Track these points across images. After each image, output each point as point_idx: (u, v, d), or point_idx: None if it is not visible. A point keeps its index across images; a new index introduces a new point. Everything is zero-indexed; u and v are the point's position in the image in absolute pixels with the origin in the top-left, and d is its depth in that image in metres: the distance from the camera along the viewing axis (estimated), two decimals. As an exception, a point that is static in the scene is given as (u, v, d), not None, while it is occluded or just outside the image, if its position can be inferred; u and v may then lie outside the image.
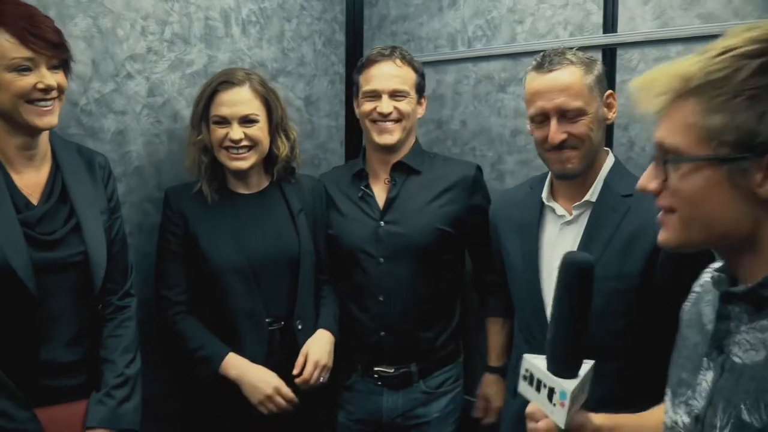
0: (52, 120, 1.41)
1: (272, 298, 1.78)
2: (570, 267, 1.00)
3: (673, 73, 0.84)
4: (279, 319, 1.78)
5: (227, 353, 1.72)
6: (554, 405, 0.99)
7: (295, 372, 1.73)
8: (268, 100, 1.79)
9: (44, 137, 1.48)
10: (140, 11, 1.83)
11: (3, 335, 1.37)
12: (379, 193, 1.93)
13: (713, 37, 0.85)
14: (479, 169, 1.97)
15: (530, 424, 1.05)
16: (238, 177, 1.83)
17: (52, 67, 1.40)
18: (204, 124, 1.74)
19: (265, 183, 1.88)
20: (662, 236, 0.90)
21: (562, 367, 1.00)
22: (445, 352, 1.94)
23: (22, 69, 1.35)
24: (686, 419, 0.91)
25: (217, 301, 1.75)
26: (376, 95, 1.87)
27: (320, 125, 2.45)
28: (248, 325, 1.74)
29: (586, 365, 1.02)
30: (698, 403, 0.89)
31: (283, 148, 1.84)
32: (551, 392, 1.00)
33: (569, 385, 0.98)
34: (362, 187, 1.94)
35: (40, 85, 1.37)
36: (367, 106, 1.88)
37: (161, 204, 1.83)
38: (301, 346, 1.79)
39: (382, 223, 1.88)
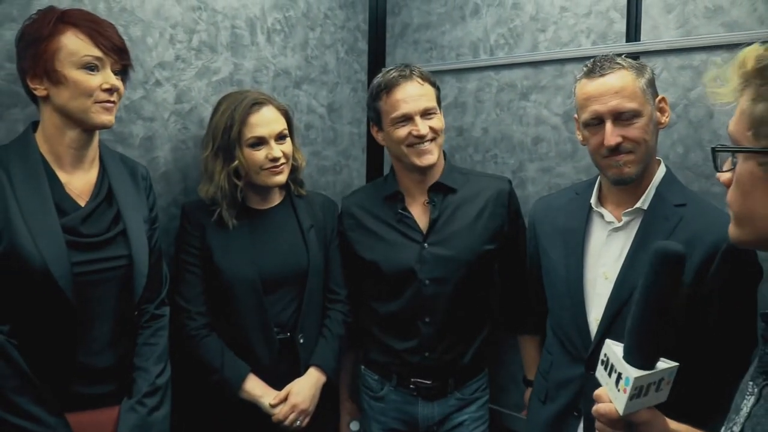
0: (111, 119, 1.46)
1: (280, 310, 1.81)
2: (659, 256, 0.98)
3: (737, 61, 0.81)
4: (285, 330, 1.81)
5: (246, 375, 1.75)
6: (619, 390, 1.01)
7: (273, 402, 1.75)
8: (289, 115, 1.84)
9: (95, 140, 1.52)
10: (169, 20, 1.88)
11: (41, 340, 1.39)
12: (418, 214, 1.89)
13: (738, 45, 0.84)
14: (510, 182, 1.96)
15: (595, 406, 1.06)
16: (262, 193, 1.86)
17: (114, 72, 1.45)
18: (238, 149, 1.74)
19: (279, 199, 1.91)
20: (728, 230, 0.88)
21: (635, 356, 1.01)
22: (479, 362, 1.95)
23: (90, 68, 1.40)
24: None
25: (228, 310, 1.79)
26: (407, 119, 1.81)
27: (342, 132, 2.47)
28: (257, 336, 1.78)
29: (667, 364, 1.02)
30: (736, 430, 0.85)
31: (301, 160, 1.91)
32: (619, 377, 1.01)
33: (635, 372, 0.99)
34: (400, 210, 1.90)
35: (106, 86, 1.42)
36: (401, 131, 1.81)
37: (185, 210, 1.88)
38: (303, 360, 1.82)
39: (426, 245, 1.85)
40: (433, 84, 1.89)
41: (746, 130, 0.79)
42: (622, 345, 1.04)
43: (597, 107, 1.48)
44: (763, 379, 0.83)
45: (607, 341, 1.09)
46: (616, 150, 1.47)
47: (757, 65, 0.77)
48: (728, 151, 0.83)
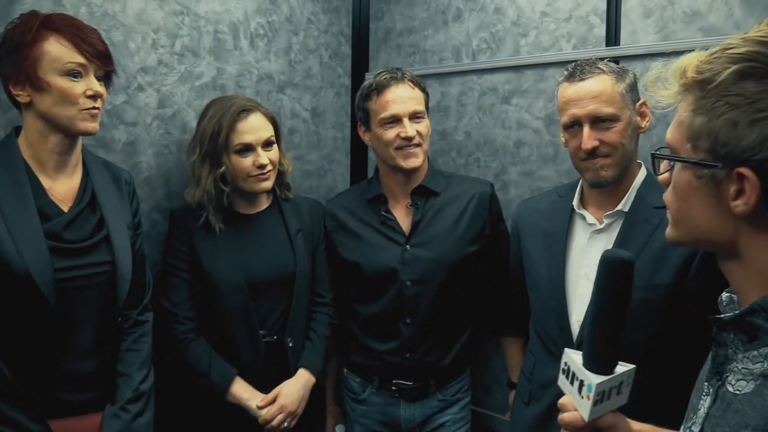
0: (95, 125, 1.45)
1: (268, 313, 1.81)
2: (609, 263, 1.00)
3: (677, 67, 0.82)
4: (272, 333, 1.81)
5: (233, 379, 1.75)
6: (582, 397, 1.02)
7: (260, 405, 1.75)
8: (276, 122, 1.84)
9: (79, 146, 1.51)
10: (151, 24, 1.87)
11: (23, 346, 1.38)
12: (401, 217, 1.91)
13: None
14: (492, 185, 1.98)
15: (560, 415, 1.07)
16: (249, 198, 1.86)
17: (97, 77, 1.44)
18: (225, 156, 1.74)
19: (266, 203, 1.91)
20: (666, 230, 0.91)
21: (595, 362, 1.02)
22: (460, 363, 1.96)
23: (74, 74, 1.39)
24: None
25: (216, 314, 1.79)
26: (396, 120, 1.83)
27: (326, 136, 2.48)
28: (244, 339, 1.78)
29: (625, 367, 1.03)
30: (695, 430, 0.86)
31: (288, 165, 1.91)
32: (581, 385, 1.03)
33: (596, 379, 1.00)
34: (383, 213, 1.91)
35: (89, 92, 1.41)
36: (389, 133, 1.83)
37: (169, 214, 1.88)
38: (291, 362, 1.83)
39: (408, 246, 1.87)
40: (423, 89, 1.91)
41: (685, 141, 0.81)
42: (581, 353, 1.06)
43: (575, 111, 1.51)
44: (717, 380, 0.84)
45: (566, 350, 1.10)
46: (593, 153, 1.50)
47: (698, 76, 0.78)
48: (667, 158, 0.86)
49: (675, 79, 0.82)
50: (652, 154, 0.89)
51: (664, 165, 0.88)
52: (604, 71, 1.50)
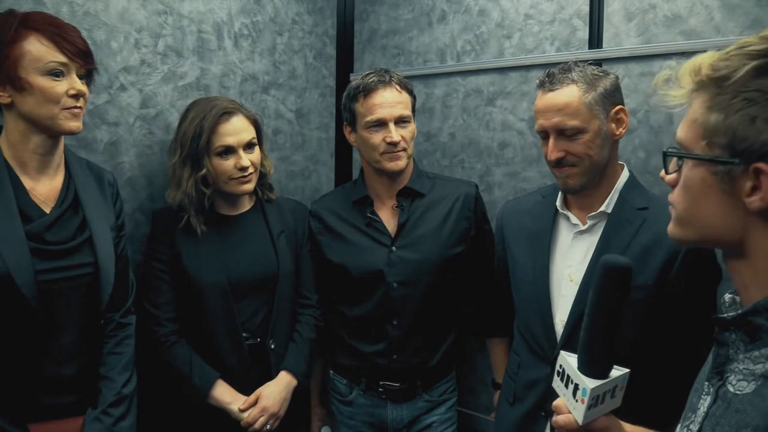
0: (79, 125, 1.43)
1: (250, 315, 1.80)
2: (607, 268, 1.01)
3: (691, 66, 0.82)
4: (255, 336, 1.80)
5: (215, 382, 1.74)
6: (576, 401, 1.03)
7: (242, 407, 1.74)
8: (258, 123, 1.83)
9: (61, 146, 1.49)
10: (134, 24, 1.85)
11: (5, 349, 1.36)
12: (387, 218, 1.91)
13: (695, 52, 0.86)
14: (477, 186, 1.99)
15: (554, 417, 1.09)
16: (231, 199, 1.85)
17: (79, 76, 1.43)
18: (206, 158, 1.73)
19: (249, 204, 1.91)
20: (668, 228, 0.90)
21: (589, 366, 1.03)
22: (446, 364, 1.96)
23: (55, 74, 1.38)
24: None
25: (198, 315, 1.78)
26: (382, 124, 1.82)
27: (311, 137, 2.47)
28: (226, 341, 1.77)
29: (619, 371, 1.04)
30: (694, 429, 0.86)
31: (269, 167, 1.91)
32: (576, 388, 1.04)
33: (591, 383, 1.01)
34: (369, 214, 1.91)
35: (72, 91, 1.39)
36: (375, 136, 1.82)
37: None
38: (274, 364, 1.82)
39: (394, 248, 1.87)
40: (410, 92, 1.89)
41: (700, 139, 0.81)
42: (576, 356, 1.07)
43: (542, 122, 1.53)
44: (718, 380, 0.85)
45: (562, 352, 1.11)
46: (559, 163, 1.52)
47: (713, 74, 0.79)
48: (681, 156, 0.85)
49: (689, 78, 0.82)
50: (664, 152, 0.88)
51: (672, 165, 0.88)
52: (574, 81, 1.49)
